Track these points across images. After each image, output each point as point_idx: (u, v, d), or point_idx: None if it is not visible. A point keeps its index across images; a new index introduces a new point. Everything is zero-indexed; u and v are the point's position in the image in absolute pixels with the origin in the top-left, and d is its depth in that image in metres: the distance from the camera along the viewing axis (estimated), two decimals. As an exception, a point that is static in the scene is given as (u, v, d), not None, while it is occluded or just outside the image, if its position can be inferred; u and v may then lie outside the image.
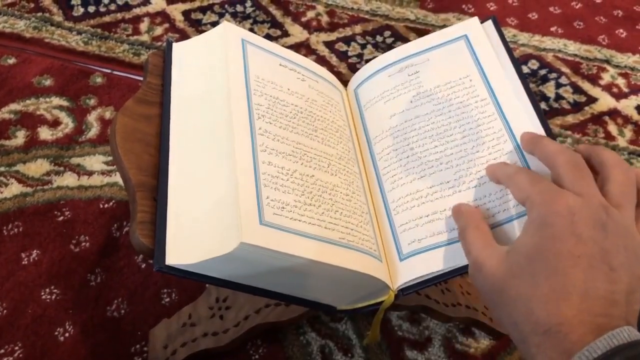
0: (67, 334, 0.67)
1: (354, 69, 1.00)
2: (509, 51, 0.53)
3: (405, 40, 1.06)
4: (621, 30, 1.11)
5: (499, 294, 0.37)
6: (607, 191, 0.38)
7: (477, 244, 0.40)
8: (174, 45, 0.56)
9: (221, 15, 1.08)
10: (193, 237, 0.42)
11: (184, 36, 1.03)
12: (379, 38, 1.06)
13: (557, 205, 0.36)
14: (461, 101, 0.52)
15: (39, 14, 1.04)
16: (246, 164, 0.44)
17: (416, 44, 0.57)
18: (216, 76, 0.51)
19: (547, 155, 0.41)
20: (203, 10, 1.08)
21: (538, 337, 0.33)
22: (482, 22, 0.55)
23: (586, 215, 0.35)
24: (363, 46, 1.05)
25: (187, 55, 0.55)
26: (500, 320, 0.38)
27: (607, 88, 1.00)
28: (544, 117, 0.48)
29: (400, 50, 0.58)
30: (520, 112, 0.49)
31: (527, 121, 0.48)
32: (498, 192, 0.45)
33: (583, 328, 0.32)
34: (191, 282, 0.69)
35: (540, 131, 0.47)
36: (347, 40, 1.06)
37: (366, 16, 1.10)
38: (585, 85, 1.00)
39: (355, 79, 0.60)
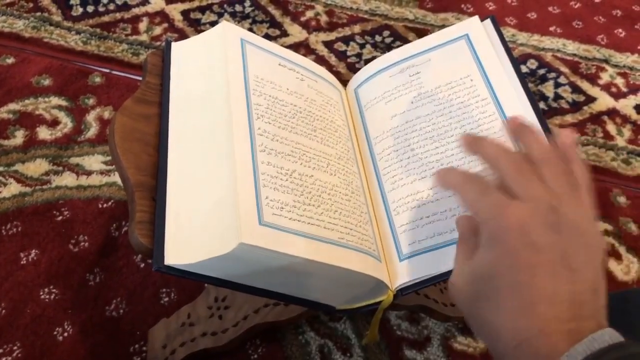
0: (66, 334, 0.67)
1: (352, 68, 1.00)
2: (508, 51, 0.53)
3: (405, 39, 1.06)
4: (620, 30, 1.11)
5: (468, 313, 0.36)
6: (546, 182, 0.37)
7: (458, 259, 0.39)
8: (173, 44, 0.56)
9: (220, 15, 1.08)
10: (192, 237, 0.42)
11: (183, 36, 1.03)
12: (377, 38, 1.06)
13: (506, 219, 0.35)
14: (462, 101, 0.52)
15: (38, 14, 1.04)
16: (245, 164, 0.44)
17: (417, 45, 0.57)
18: (215, 76, 0.51)
19: (489, 159, 0.40)
20: (202, 10, 1.08)
21: (512, 354, 0.33)
22: (480, 22, 0.55)
23: (537, 222, 0.34)
24: (362, 46, 1.05)
25: (186, 55, 0.55)
26: (477, 335, 0.37)
27: (606, 87, 1.00)
28: (543, 116, 0.48)
29: (402, 51, 0.58)
30: (521, 112, 0.49)
31: (517, 102, 0.48)
32: None
33: (555, 336, 0.31)
34: (190, 282, 0.69)
35: (536, 123, 0.47)
36: (346, 40, 1.05)
37: (365, 16, 1.10)
38: (584, 85, 1.00)
39: (356, 79, 0.60)
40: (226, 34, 0.53)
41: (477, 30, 0.55)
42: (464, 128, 0.50)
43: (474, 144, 0.41)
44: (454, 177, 0.40)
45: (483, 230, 0.36)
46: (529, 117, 0.48)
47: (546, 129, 0.47)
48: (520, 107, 0.49)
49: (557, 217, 0.35)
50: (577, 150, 0.40)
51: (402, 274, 0.46)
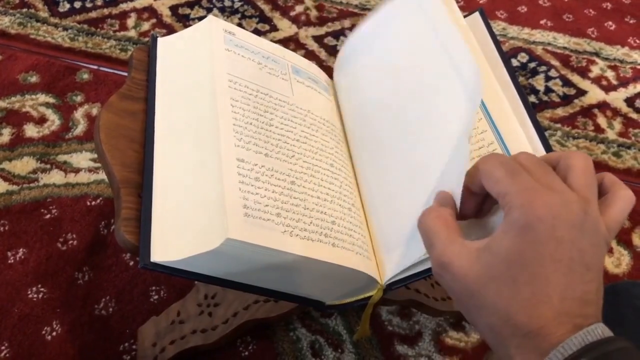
0: (54, 333, 0.66)
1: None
2: (497, 44, 0.52)
3: (395, 34, 1.05)
4: (610, 23, 1.11)
5: (472, 296, 0.35)
6: (571, 184, 0.37)
7: (441, 237, 0.37)
8: (159, 40, 0.55)
9: (209, 10, 1.07)
10: (179, 233, 0.42)
11: (171, 31, 1.02)
12: (368, 32, 1.06)
13: (539, 209, 0.34)
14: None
15: (24, 10, 1.03)
16: (231, 159, 0.43)
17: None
18: (201, 71, 0.50)
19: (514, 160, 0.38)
20: (190, 5, 1.08)
21: (517, 340, 0.33)
22: (469, 14, 0.55)
23: (566, 217, 0.34)
24: (352, 40, 1.04)
25: (172, 50, 0.54)
26: (473, 321, 0.36)
27: (597, 81, 1.00)
28: (533, 110, 0.48)
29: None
30: (491, 86, 0.48)
31: (501, 94, 0.47)
32: None
33: (562, 329, 0.32)
34: (180, 280, 0.69)
35: (525, 116, 0.47)
36: (336, 35, 1.05)
37: (355, 10, 1.10)
38: (575, 78, 1.00)
39: (334, 72, 0.60)
40: (211, 28, 0.53)
41: None
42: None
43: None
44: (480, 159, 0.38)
45: (510, 215, 0.35)
46: (518, 111, 0.48)
47: (535, 123, 0.47)
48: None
49: (584, 217, 0.35)
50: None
51: (391, 269, 0.46)
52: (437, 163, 0.44)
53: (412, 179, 0.47)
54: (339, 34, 1.05)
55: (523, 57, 1.03)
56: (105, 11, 1.05)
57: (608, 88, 0.99)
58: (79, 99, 0.90)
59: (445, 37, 0.48)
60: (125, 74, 0.93)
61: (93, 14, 1.04)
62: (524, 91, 0.49)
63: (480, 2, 1.14)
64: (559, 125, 0.93)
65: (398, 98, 0.51)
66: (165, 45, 0.55)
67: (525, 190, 0.35)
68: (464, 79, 0.45)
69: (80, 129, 0.86)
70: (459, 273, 0.36)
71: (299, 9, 1.09)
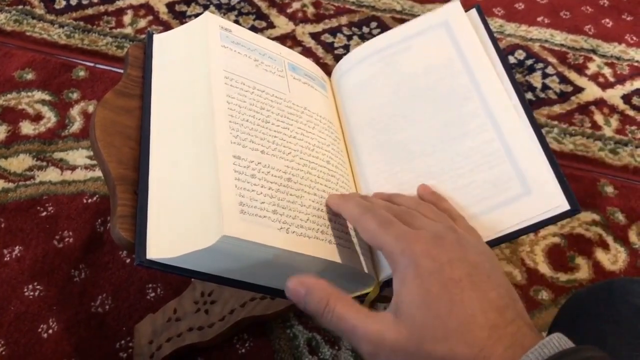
0: (50, 331, 0.66)
1: (340, 60, 0.99)
2: (494, 41, 0.53)
3: (392, 31, 1.05)
4: (607, 20, 1.11)
5: (419, 357, 0.34)
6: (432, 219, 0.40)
7: (355, 318, 0.35)
8: (155, 36, 0.55)
9: (206, 7, 1.06)
10: (174, 230, 0.42)
11: (167, 29, 1.01)
12: (365, 29, 1.06)
13: (416, 246, 0.36)
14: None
15: (20, 7, 1.02)
16: (227, 156, 0.43)
17: (397, 32, 0.57)
18: (197, 68, 0.50)
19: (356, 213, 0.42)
20: (187, 2, 1.07)
21: None
22: (466, 12, 0.55)
23: (443, 242, 0.36)
24: (349, 37, 1.04)
25: (168, 47, 0.54)
26: None
27: (594, 78, 1.00)
28: (530, 108, 0.48)
29: (382, 39, 0.57)
30: (503, 98, 0.48)
31: (509, 104, 0.48)
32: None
33: (501, 344, 0.32)
34: (176, 277, 0.69)
35: (524, 118, 0.47)
36: (333, 32, 1.05)
37: (352, 7, 1.10)
38: (572, 75, 1.00)
39: (338, 69, 0.59)
40: (208, 25, 0.52)
41: (458, 16, 0.54)
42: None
43: (338, 203, 0.44)
44: (351, 208, 0.42)
45: (398, 265, 0.36)
46: (515, 108, 0.48)
47: (532, 120, 0.47)
48: (503, 93, 0.48)
49: (456, 235, 0.37)
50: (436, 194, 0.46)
51: (387, 265, 0.46)
52: (444, 175, 0.47)
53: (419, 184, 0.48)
54: (336, 31, 1.05)
55: (520, 54, 1.03)
56: (102, 8, 1.04)
57: (605, 85, 0.99)
58: (75, 96, 0.89)
59: (471, 60, 0.51)
60: (122, 71, 0.93)
61: (89, 11, 1.03)
62: (521, 88, 0.49)
63: (478, -1, 1.14)
64: (556, 123, 0.93)
65: (412, 107, 0.52)
66: (161, 42, 0.55)
67: (399, 237, 0.37)
68: (487, 103, 0.49)
69: (76, 126, 0.86)
70: (395, 345, 0.34)
71: (295, 5, 1.09)
